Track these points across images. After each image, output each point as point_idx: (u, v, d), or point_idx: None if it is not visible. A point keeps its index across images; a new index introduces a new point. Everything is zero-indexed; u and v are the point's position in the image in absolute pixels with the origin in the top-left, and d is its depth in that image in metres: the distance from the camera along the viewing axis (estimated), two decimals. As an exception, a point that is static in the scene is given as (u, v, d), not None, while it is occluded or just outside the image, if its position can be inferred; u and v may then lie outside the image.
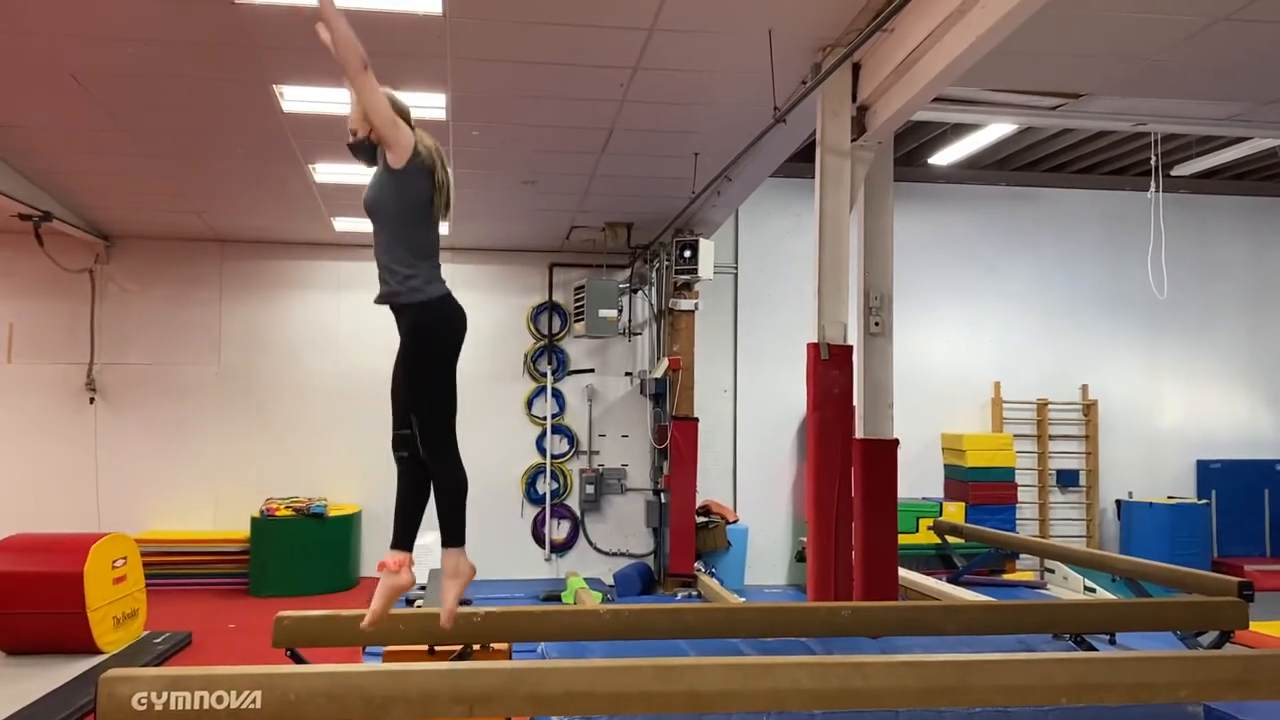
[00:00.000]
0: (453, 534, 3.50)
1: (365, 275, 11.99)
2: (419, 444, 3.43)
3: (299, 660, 4.41)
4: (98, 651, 6.69)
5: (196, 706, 3.14)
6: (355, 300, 10.80)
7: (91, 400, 10.36)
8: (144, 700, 3.12)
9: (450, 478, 3.47)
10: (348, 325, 10.76)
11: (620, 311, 10.43)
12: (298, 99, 6.49)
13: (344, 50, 3.29)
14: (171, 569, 9.85)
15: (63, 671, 6.25)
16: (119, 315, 10.44)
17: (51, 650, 6.60)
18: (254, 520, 9.92)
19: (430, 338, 3.46)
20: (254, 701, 3.18)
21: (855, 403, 5.89)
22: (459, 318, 3.52)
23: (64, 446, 10.28)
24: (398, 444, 3.53)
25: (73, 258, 10.00)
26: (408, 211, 3.46)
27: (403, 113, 3.55)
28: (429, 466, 3.46)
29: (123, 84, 6.24)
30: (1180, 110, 7.04)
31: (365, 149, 3.53)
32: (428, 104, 6.57)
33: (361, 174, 8.06)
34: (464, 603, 3.88)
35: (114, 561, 6.99)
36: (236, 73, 6.05)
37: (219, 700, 3.16)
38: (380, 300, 3.52)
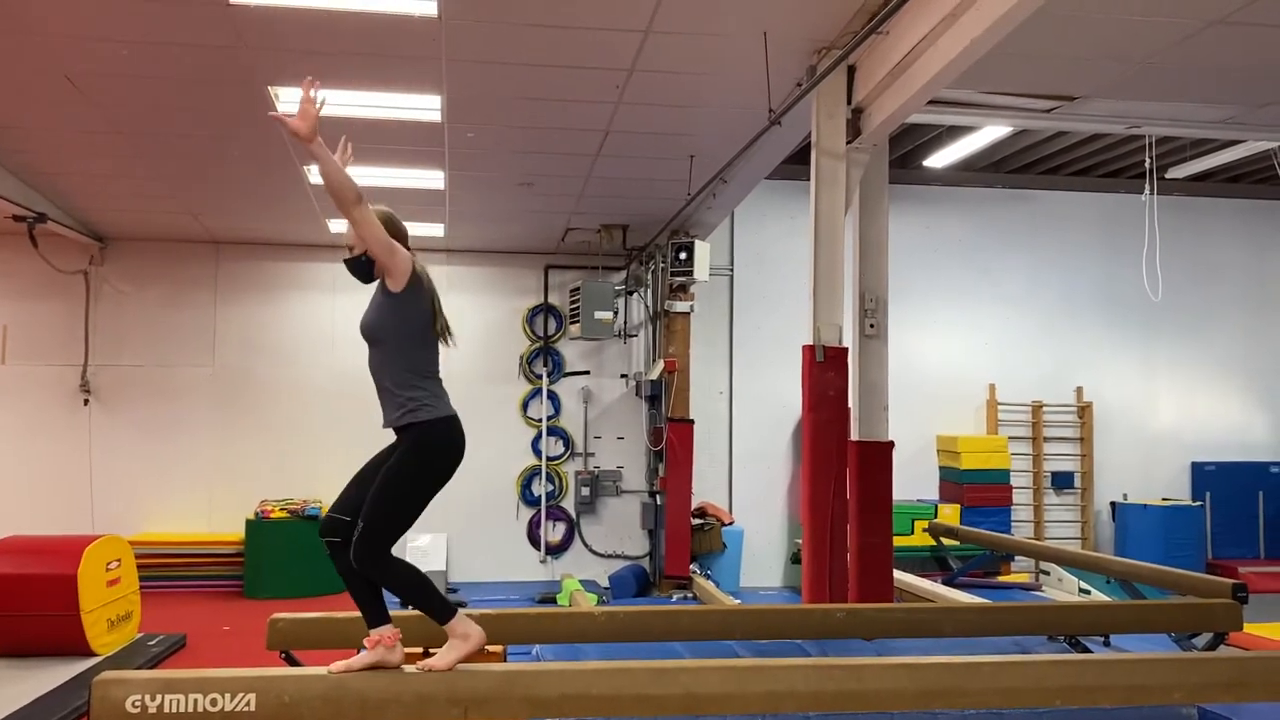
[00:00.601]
0: (438, 616, 3.43)
1: (360, 277, 11.78)
2: (354, 543, 3.34)
3: (294, 663, 4.40)
4: (91, 654, 6.67)
5: (191, 709, 3.14)
6: (350, 302, 10.75)
7: (86, 402, 10.33)
8: (138, 703, 3.12)
9: (399, 584, 3.41)
10: (343, 327, 10.73)
11: (616, 313, 10.42)
12: (293, 100, 6.46)
13: (336, 188, 3.31)
14: (166, 571, 9.83)
15: (56, 674, 6.23)
16: (114, 317, 10.42)
17: (45, 653, 6.58)
18: (249, 522, 9.90)
19: (430, 459, 3.44)
20: (248, 704, 3.17)
21: (850, 405, 5.90)
22: (460, 444, 3.51)
23: (58, 448, 10.25)
24: (330, 528, 3.45)
25: (67, 259, 9.99)
26: (411, 333, 3.48)
27: (400, 234, 3.57)
28: (362, 572, 3.38)
29: (118, 85, 6.23)
30: (1175, 113, 7.06)
31: (362, 266, 3.53)
32: (423, 106, 6.57)
33: (355, 175, 8.07)
34: (458, 605, 3.88)
35: (108, 564, 6.97)
36: (232, 74, 6.04)
37: (213, 703, 3.16)
38: (389, 424, 3.49)
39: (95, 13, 5.18)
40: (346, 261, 3.56)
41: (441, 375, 3.57)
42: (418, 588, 3.42)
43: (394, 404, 3.45)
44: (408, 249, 3.53)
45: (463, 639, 3.41)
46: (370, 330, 3.52)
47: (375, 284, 3.56)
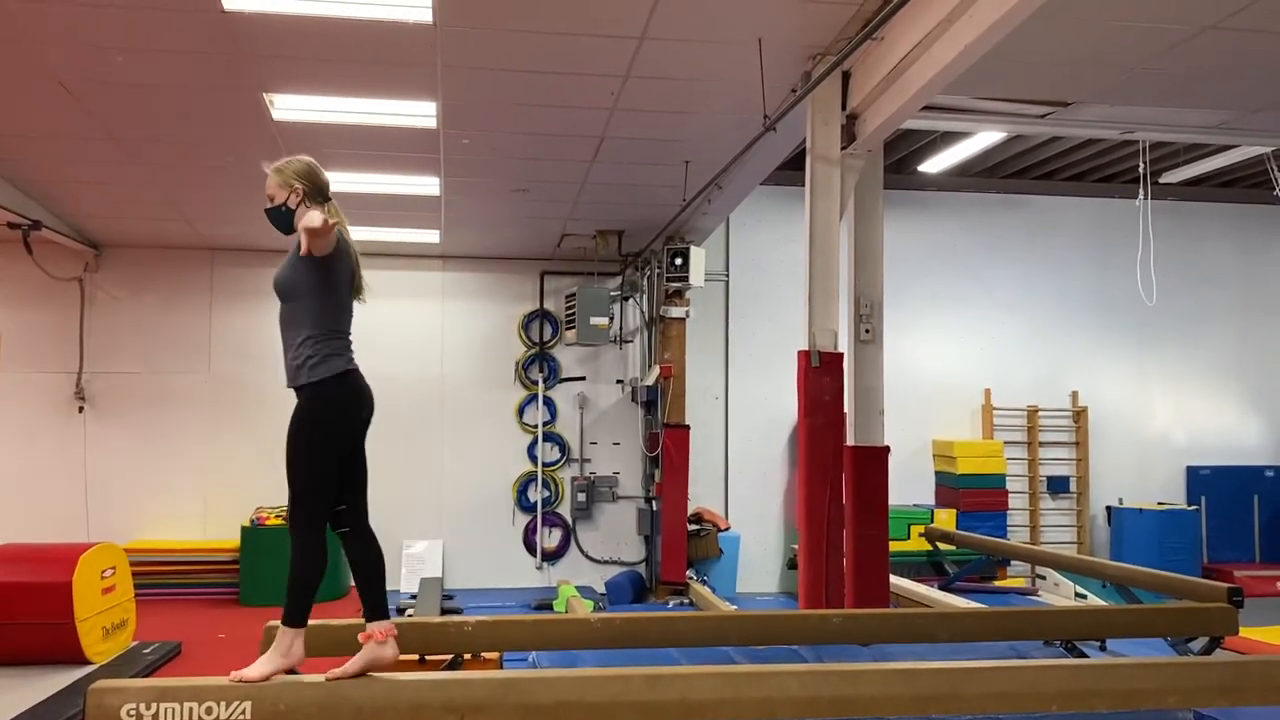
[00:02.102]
0: (287, 615, 3.44)
1: (356, 283, 11.71)
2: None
3: (289, 670, 4.38)
4: (86, 662, 6.65)
5: (186, 717, 3.13)
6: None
7: (81, 409, 10.31)
8: (133, 711, 3.12)
9: (296, 564, 3.43)
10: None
11: (611, 319, 10.42)
12: (288, 108, 6.49)
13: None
14: (161, 578, 9.79)
15: (51, 682, 6.21)
16: (108, 324, 10.40)
17: (40, 661, 6.56)
18: (244, 529, 9.88)
19: (320, 417, 3.46)
20: (244, 712, 3.17)
21: (846, 410, 5.90)
22: (353, 399, 3.51)
23: (53, 455, 10.23)
24: (334, 522, 3.54)
25: (62, 266, 9.97)
26: (329, 292, 3.48)
27: (323, 186, 3.59)
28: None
29: (113, 92, 6.23)
30: (1168, 118, 7.08)
31: (282, 217, 3.53)
32: (418, 112, 6.58)
33: (352, 181, 8.10)
34: (454, 611, 3.87)
35: (103, 571, 6.95)
36: (227, 81, 6.04)
37: (208, 711, 3.15)
38: (289, 384, 3.53)
39: (90, 20, 5.18)
40: (267, 211, 3.54)
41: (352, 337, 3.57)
42: (303, 581, 3.42)
43: (293, 362, 3.47)
44: (328, 198, 3.56)
45: (284, 654, 3.39)
46: (286, 286, 3.51)
47: (294, 236, 3.50)
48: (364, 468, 3.64)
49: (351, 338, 3.58)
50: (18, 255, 9.14)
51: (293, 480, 3.43)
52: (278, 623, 4.47)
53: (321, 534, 3.44)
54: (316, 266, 3.42)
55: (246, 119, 6.64)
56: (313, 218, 3.24)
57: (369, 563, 3.53)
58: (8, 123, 6.83)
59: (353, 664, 3.36)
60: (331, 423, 3.45)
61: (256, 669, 3.33)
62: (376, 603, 3.48)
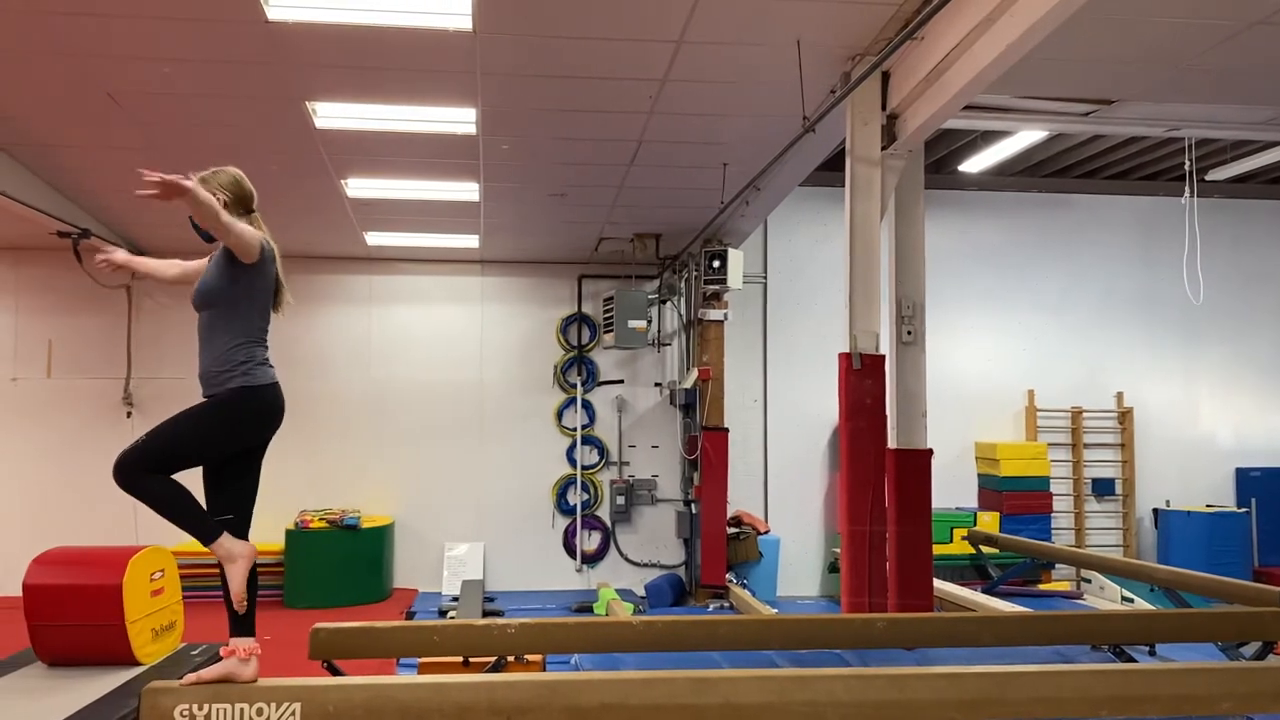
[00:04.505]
0: (202, 535, 3.48)
1: (397, 289, 12.05)
2: (120, 454, 3.43)
3: (336, 672, 4.44)
4: (136, 663, 6.74)
5: (237, 718, 3.18)
6: (387, 313, 10.91)
7: (129, 414, 10.49)
8: (186, 711, 3.17)
9: (155, 499, 3.48)
10: (379, 338, 10.86)
11: (649, 322, 10.44)
12: (330, 115, 6.56)
13: (208, 222, 3.38)
14: (208, 581, 9.88)
15: (102, 683, 6.30)
16: (155, 330, 10.58)
17: (90, 662, 6.66)
18: (288, 532, 10.01)
19: (230, 417, 3.49)
20: (293, 713, 3.22)
21: (888, 412, 5.86)
22: (267, 412, 3.55)
23: (102, 460, 10.24)
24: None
25: (110, 274, 10.13)
26: (251, 302, 3.54)
27: (248, 197, 3.73)
28: (120, 484, 3.46)
29: (159, 103, 6.34)
30: (1214, 115, 6.97)
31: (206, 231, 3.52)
32: (458, 119, 6.63)
33: (392, 188, 8.18)
34: (496, 614, 3.90)
35: (152, 574, 7.06)
36: (269, 90, 6.12)
37: (259, 712, 3.20)
38: (205, 392, 3.55)
39: (138, 33, 5.28)
40: (191, 219, 3.56)
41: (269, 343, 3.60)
42: (174, 501, 3.43)
43: (217, 367, 3.49)
44: (252, 209, 3.67)
45: (230, 557, 3.46)
46: (208, 296, 3.55)
47: (216, 245, 3.58)
48: (256, 484, 3.70)
49: (267, 347, 3.61)
50: (67, 263, 9.31)
51: (159, 439, 3.45)
52: (322, 625, 4.55)
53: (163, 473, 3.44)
54: (239, 276, 3.50)
55: (289, 127, 6.72)
56: (199, 196, 3.27)
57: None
58: (58, 134, 6.97)
59: (209, 672, 3.34)
60: (243, 427, 3.51)
61: (212, 670, 3.34)
62: (243, 620, 3.47)
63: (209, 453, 3.51)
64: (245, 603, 3.41)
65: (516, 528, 10.91)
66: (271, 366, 3.59)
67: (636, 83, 6.00)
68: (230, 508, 3.56)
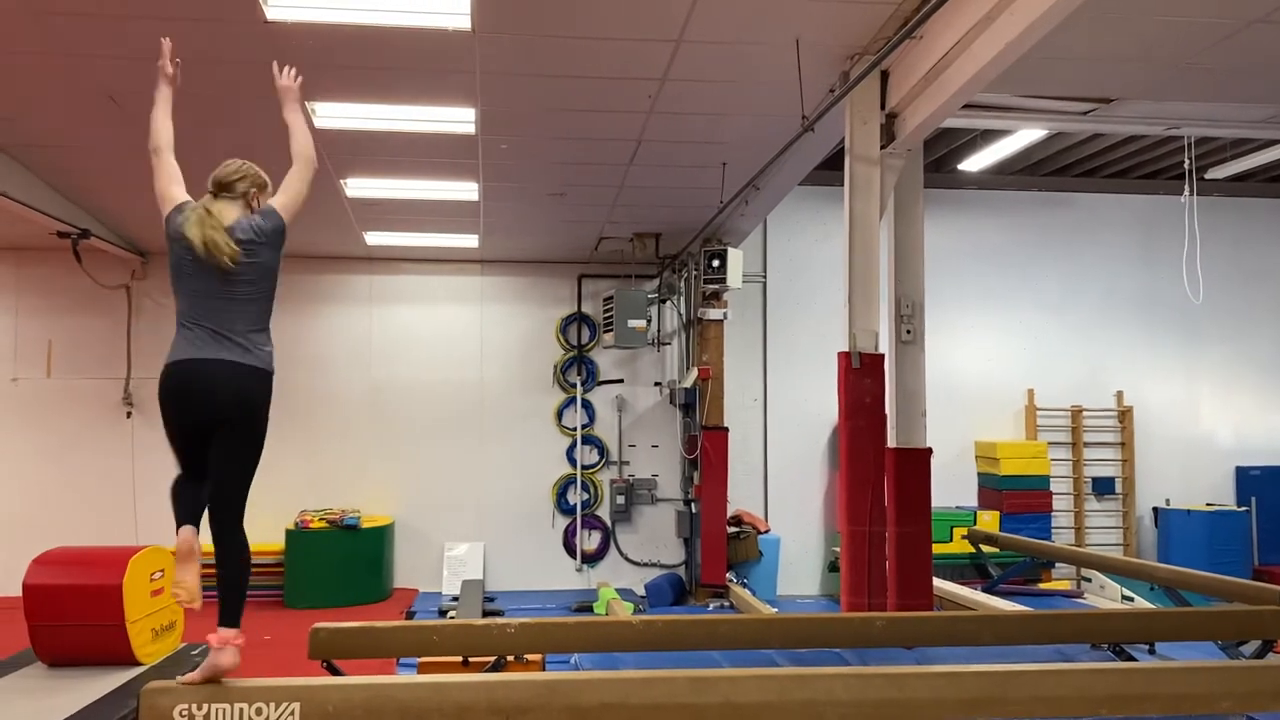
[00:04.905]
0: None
1: (397, 288, 12.04)
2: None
3: (335, 672, 4.44)
4: (136, 663, 6.75)
5: (236, 718, 3.18)
6: (387, 313, 10.91)
7: (129, 414, 10.49)
8: (185, 711, 3.17)
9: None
10: (379, 337, 10.86)
11: (649, 321, 10.44)
12: (329, 115, 6.56)
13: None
14: (207, 581, 9.87)
15: (102, 683, 6.31)
16: (155, 330, 10.54)
17: (90, 662, 6.67)
18: (288, 532, 10.01)
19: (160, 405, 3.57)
20: (293, 713, 3.21)
21: (887, 411, 5.87)
22: (166, 387, 3.59)
23: (102, 460, 10.41)
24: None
25: (110, 274, 10.15)
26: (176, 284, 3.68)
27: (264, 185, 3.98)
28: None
29: (159, 103, 6.32)
30: (1214, 113, 6.97)
31: None
32: (457, 119, 6.62)
33: (391, 188, 8.17)
34: (496, 614, 3.91)
35: (152, 574, 7.06)
36: (269, 90, 6.10)
37: (258, 711, 3.20)
38: None
39: (138, 33, 5.28)
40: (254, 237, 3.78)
41: (192, 324, 3.59)
42: (172, 494, 3.72)
43: None
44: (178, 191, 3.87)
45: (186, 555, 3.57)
46: (272, 275, 3.79)
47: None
48: (223, 474, 3.74)
49: (190, 326, 3.56)
50: (67, 264, 9.32)
51: None
52: (322, 625, 4.55)
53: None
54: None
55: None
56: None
57: (223, 572, 3.67)
58: (58, 134, 6.97)
59: (196, 672, 3.34)
60: (162, 409, 3.56)
61: (196, 673, 3.35)
62: (225, 610, 3.51)
63: (171, 442, 3.64)
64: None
65: (516, 527, 10.91)
66: (176, 344, 3.55)
67: (636, 82, 6.00)
68: (209, 499, 3.70)
